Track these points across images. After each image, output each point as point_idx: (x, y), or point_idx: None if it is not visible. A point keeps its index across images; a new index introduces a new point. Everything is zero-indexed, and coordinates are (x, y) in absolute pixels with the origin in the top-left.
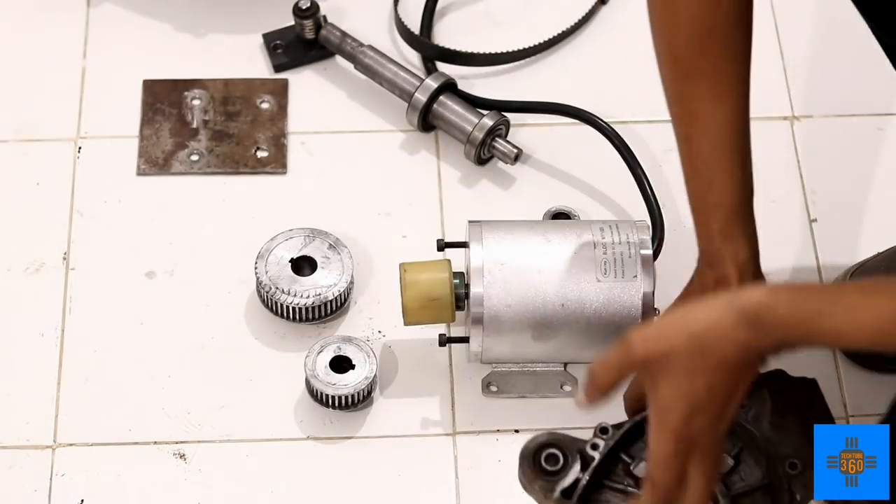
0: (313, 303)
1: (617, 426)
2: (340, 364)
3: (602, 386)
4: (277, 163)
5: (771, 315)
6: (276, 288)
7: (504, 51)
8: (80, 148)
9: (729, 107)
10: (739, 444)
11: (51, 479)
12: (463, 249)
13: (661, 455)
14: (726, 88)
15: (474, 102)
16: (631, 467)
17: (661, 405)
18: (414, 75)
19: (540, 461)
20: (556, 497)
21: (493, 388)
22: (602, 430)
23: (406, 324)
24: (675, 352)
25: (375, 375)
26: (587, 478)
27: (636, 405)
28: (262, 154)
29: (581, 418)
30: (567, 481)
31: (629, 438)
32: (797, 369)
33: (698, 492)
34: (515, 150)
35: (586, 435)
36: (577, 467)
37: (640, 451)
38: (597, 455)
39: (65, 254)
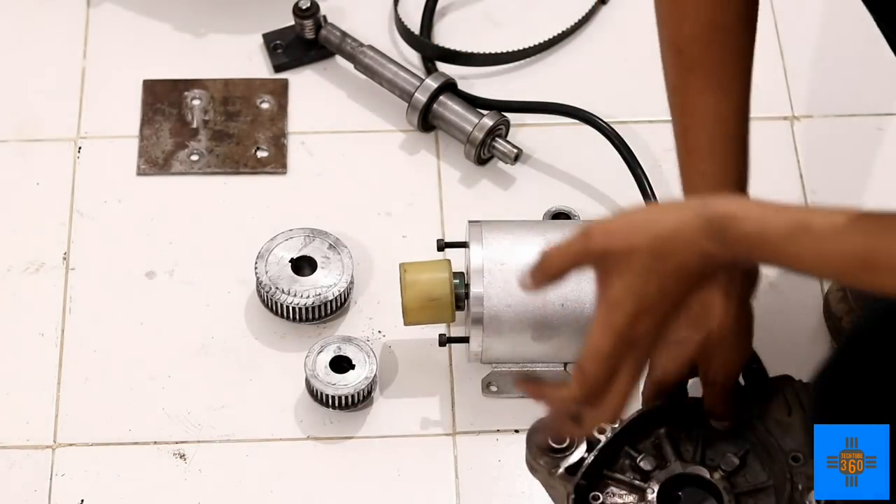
0: (313, 303)
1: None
2: (340, 364)
3: (552, 272)
4: (277, 163)
5: (736, 229)
6: (276, 288)
7: (504, 51)
8: (80, 148)
9: (730, 101)
10: (746, 446)
11: (51, 479)
12: (463, 249)
13: (599, 350)
14: (729, 83)
15: (474, 102)
16: (637, 461)
17: (611, 301)
18: (414, 75)
19: (547, 440)
20: (560, 474)
21: (493, 388)
22: None
23: (406, 324)
24: (635, 250)
25: (375, 375)
26: (592, 457)
27: (658, 389)
28: (262, 154)
29: None
30: (572, 459)
31: (634, 432)
32: (800, 372)
33: (623, 390)
34: (515, 150)
35: None
36: (582, 447)
37: (645, 447)
38: (603, 438)
39: (65, 254)
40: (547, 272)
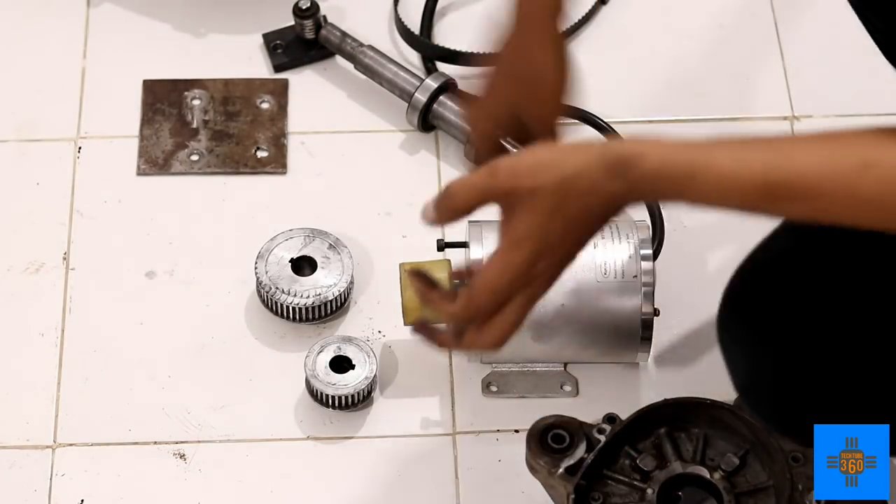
0: (313, 303)
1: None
2: (340, 364)
3: (458, 208)
4: (277, 163)
5: (640, 169)
6: (276, 288)
7: None
8: (80, 148)
9: None
10: (746, 445)
11: (51, 479)
12: (463, 249)
13: (494, 285)
14: None
15: None
16: (637, 461)
17: (513, 239)
18: (414, 75)
19: (547, 440)
20: (560, 474)
21: (493, 388)
22: (610, 419)
23: (406, 324)
24: (540, 191)
25: (375, 375)
26: (592, 458)
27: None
28: (262, 154)
29: (583, 419)
30: (572, 459)
31: (634, 432)
32: None
33: (511, 320)
34: (516, 151)
35: None
36: (582, 447)
37: (645, 447)
38: (603, 438)
39: (65, 254)
40: (452, 207)
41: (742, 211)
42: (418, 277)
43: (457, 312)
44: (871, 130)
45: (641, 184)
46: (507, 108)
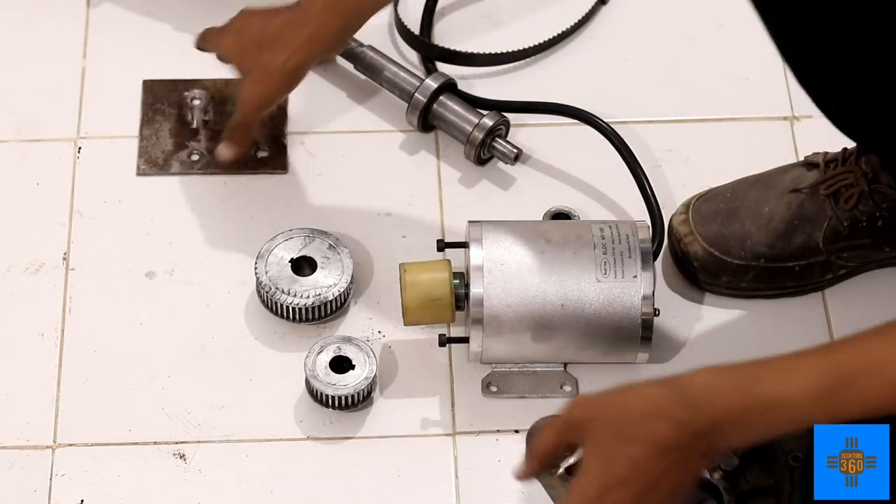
0: (313, 303)
1: None
2: (340, 364)
3: (538, 450)
4: (277, 163)
5: (705, 386)
6: (276, 288)
7: (504, 51)
8: (80, 148)
9: None
10: None
11: (51, 479)
12: (463, 250)
13: None
14: None
15: (474, 102)
16: None
17: (583, 470)
18: (414, 75)
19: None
20: (560, 473)
21: (493, 388)
22: None
23: (406, 324)
24: (602, 418)
25: (375, 375)
26: None
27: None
28: (262, 154)
29: None
30: (572, 459)
31: None
32: None
33: None
34: (515, 150)
35: None
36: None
37: None
38: None
39: (65, 254)
40: (534, 452)
41: (814, 405)
42: None
43: None
44: None
45: (711, 403)
46: None
